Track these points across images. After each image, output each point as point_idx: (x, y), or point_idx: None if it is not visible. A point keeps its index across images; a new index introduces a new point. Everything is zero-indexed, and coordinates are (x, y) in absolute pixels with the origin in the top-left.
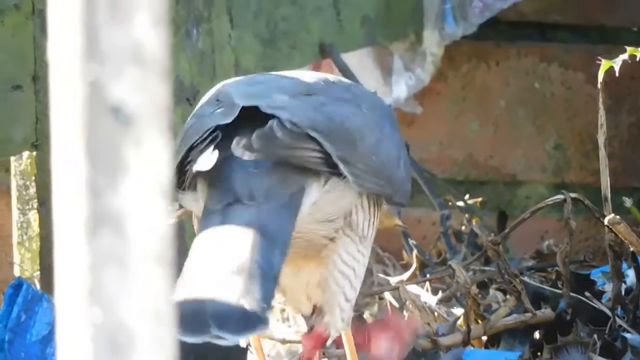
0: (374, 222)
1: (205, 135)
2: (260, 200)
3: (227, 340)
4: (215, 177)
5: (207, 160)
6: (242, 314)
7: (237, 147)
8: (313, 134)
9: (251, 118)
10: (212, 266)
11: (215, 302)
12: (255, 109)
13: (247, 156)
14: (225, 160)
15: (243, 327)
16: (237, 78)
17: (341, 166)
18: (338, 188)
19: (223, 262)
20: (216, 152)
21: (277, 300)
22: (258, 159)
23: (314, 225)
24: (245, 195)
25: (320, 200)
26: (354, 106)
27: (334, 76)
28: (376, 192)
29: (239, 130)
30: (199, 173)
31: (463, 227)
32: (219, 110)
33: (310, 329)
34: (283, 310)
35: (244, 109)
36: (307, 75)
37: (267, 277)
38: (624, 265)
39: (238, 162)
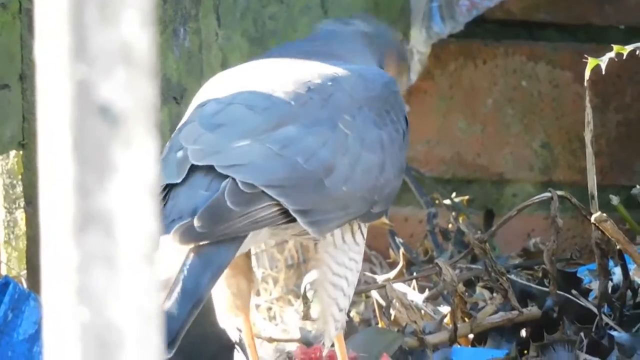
0: (359, 229)
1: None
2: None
3: None
4: (166, 201)
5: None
6: None
7: (176, 235)
8: (269, 191)
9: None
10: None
11: None
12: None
13: (184, 246)
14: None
15: None
16: (220, 81)
17: (299, 220)
18: (298, 228)
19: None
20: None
21: (265, 298)
22: (202, 241)
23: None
24: (189, 214)
25: (274, 236)
26: (328, 127)
27: (325, 67)
28: (343, 223)
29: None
30: None
31: (450, 226)
32: (179, 156)
33: (307, 342)
34: (270, 309)
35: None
36: (292, 79)
37: (189, 296)
38: (611, 263)
39: (188, 185)
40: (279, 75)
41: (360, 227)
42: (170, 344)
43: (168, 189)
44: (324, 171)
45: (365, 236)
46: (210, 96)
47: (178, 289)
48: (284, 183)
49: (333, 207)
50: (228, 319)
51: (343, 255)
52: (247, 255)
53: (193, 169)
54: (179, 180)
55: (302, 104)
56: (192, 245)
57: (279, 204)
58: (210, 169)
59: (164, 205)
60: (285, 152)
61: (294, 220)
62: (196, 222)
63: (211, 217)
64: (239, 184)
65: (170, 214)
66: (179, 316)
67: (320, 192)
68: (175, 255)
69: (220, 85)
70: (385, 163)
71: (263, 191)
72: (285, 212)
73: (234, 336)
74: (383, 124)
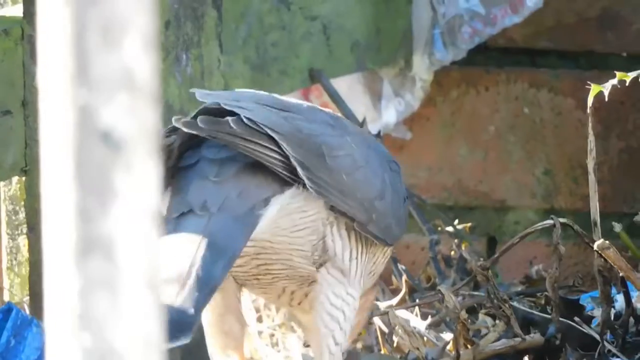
0: (359, 258)
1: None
2: (212, 211)
3: None
4: (174, 187)
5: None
6: (168, 322)
7: (179, 121)
8: (272, 133)
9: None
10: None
11: None
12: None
13: (186, 128)
14: (186, 169)
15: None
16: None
17: (299, 169)
18: (300, 198)
19: (163, 270)
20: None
21: (268, 324)
22: (202, 134)
23: (282, 238)
24: (198, 206)
25: (282, 213)
26: (335, 131)
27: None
28: (343, 210)
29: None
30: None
31: (452, 252)
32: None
33: None
34: (272, 335)
35: (207, 111)
36: (305, 105)
37: (202, 287)
38: (613, 290)
39: (198, 171)
40: (287, 100)
41: (363, 270)
42: (186, 331)
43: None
44: (326, 149)
45: (362, 284)
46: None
47: (191, 280)
48: (287, 135)
49: (332, 181)
50: (219, 357)
51: (342, 287)
52: (237, 296)
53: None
54: (188, 119)
55: (312, 114)
56: (200, 237)
57: (279, 153)
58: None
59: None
60: (291, 121)
61: (294, 180)
62: (200, 119)
63: (214, 121)
64: (243, 119)
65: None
66: (196, 304)
67: (321, 163)
68: (184, 246)
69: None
70: (385, 193)
71: (267, 134)
72: (283, 163)
73: None
74: (385, 170)
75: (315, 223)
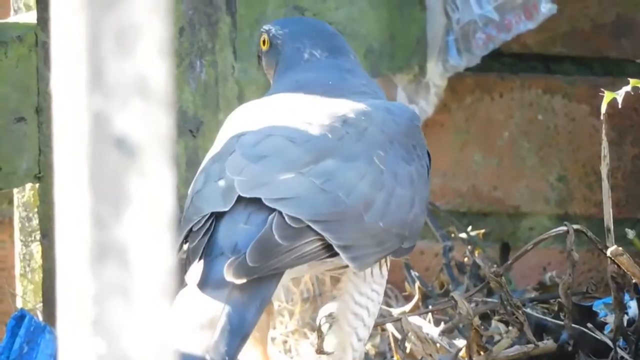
0: (385, 262)
1: (201, 224)
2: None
3: None
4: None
5: (194, 271)
6: None
7: (229, 270)
8: (314, 226)
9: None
10: (188, 317)
11: (183, 354)
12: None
13: (236, 277)
14: (217, 218)
15: None
16: (250, 112)
17: (343, 255)
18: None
19: (198, 314)
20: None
21: (281, 331)
22: (253, 276)
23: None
24: (230, 249)
25: (316, 269)
26: (365, 161)
27: (354, 101)
28: (380, 259)
29: (234, 214)
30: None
31: (466, 259)
32: (220, 184)
33: None
34: (285, 342)
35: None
36: (327, 113)
37: (236, 332)
38: (627, 297)
39: (228, 218)
40: (313, 108)
41: (385, 260)
42: None
43: (209, 219)
44: (364, 206)
45: (388, 269)
46: (244, 127)
47: (224, 325)
48: (328, 218)
49: (371, 242)
50: (245, 349)
51: (366, 286)
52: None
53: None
54: (226, 209)
55: (340, 138)
56: (234, 281)
57: (322, 238)
58: (249, 201)
59: (208, 237)
60: (328, 186)
61: (335, 254)
62: (248, 258)
63: (261, 252)
64: (286, 218)
65: (214, 249)
66: (228, 352)
67: (360, 228)
68: (216, 292)
69: (253, 116)
70: (415, 199)
71: (308, 226)
72: (327, 247)
73: None
74: (411, 159)
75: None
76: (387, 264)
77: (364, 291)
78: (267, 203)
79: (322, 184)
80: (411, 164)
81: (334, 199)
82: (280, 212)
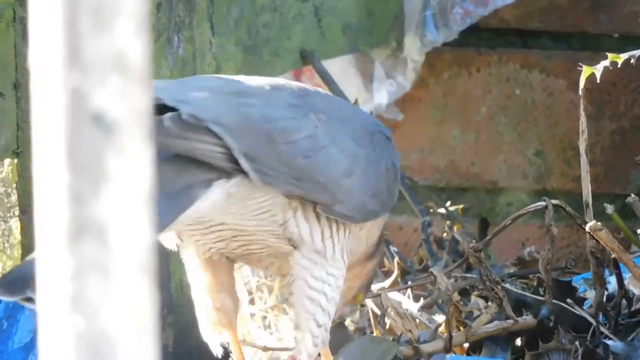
0: (335, 236)
1: None
2: None
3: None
4: None
5: None
6: None
7: None
8: (212, 126)
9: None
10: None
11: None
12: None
13: None
14: None
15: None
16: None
17: (242, 161)
18: (248, 187)
19: None
20: None
21: (260, 307)
22: None
23: (246, 222)
24: None
25: (232, 200)
26: (296, 112)
27: (315, 89)
28: (300, 195)
29: None
30: None
31: (444, 234)
32: None
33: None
34: (265, 318)
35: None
36: (271, 84)
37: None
38: (606, 272)
39: None
40: (251, 82)
41: (343, 246)
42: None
43: None
44: (280, 135)
45: (349, 255)
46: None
47: None
48: (232, 125)
49: (286, 171)
50: (211, 334)
51: (320, 269)
52: (230, 273)
53: None
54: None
55: (275, 96)
56: None
57: (223, 145)
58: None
59: None
60: (244, 109)
61: (239, 171)
62: None
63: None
64: (183, 115)
65: None
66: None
67: (273, 152)
68: None
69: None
70: (355, 171)
71: (207, 128)
72: (226, 157)
73: (217, 352)
74: (363, 144)
75: (273, 207)
76: (347, 250)
77: (319, 275)
78: (168, 103)
79: (239, 106)
80: (361, 147)
81: (245, 116)
82: (178, 111)
